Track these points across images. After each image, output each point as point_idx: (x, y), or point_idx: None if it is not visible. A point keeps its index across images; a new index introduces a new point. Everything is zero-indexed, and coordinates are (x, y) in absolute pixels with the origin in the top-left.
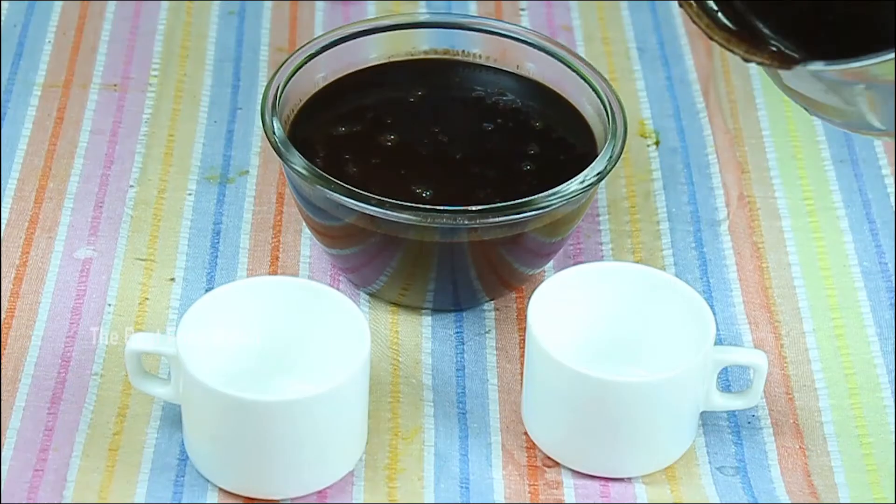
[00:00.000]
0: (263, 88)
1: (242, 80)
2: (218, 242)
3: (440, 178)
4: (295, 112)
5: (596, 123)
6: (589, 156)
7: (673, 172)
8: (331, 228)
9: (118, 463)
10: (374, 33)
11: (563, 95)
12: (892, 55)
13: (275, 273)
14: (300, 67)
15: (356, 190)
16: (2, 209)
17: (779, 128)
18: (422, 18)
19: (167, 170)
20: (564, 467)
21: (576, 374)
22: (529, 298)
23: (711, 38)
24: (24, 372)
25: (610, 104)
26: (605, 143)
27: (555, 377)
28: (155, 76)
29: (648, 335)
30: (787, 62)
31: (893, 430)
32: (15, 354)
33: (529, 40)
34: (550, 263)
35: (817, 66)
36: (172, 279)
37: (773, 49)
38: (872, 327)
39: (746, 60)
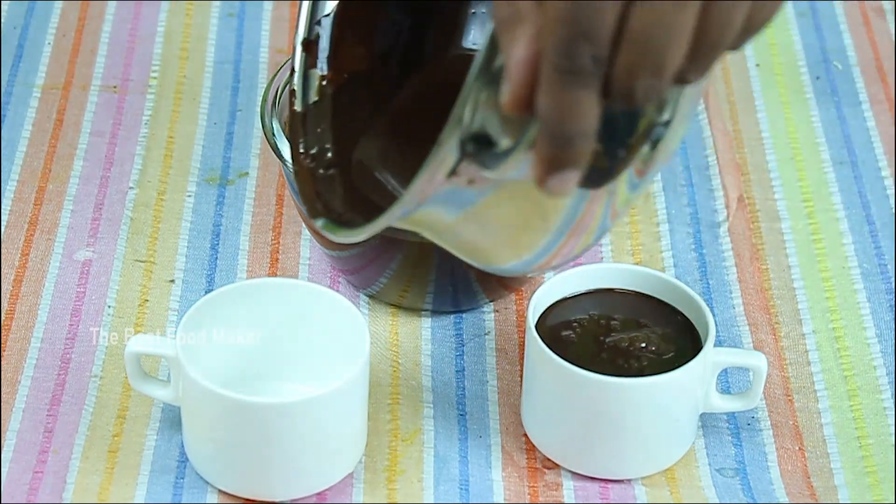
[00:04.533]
0: (263, 90)
1: (242, 82)
2: (217, 244)
3: None
4: None
5: None
6: None
7: (672, 174)
8: None
9: (118, 465)
10: None
11: None
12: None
13: (274, 275)
14: None
15: None
16: (1, 211)
17: (778, 130)
18: None
19: (167, 171)
20: (564, 469)
21: (575, 375)
22: (529, 300)
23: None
24: (23, 374)
25: None
26: None
27: (554, 379)
28: (154, 78)
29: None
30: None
31: (893, 432)
32: (14, 356)
33: None
34: None
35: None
36: (172, 281)
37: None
38: (872, 329)
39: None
